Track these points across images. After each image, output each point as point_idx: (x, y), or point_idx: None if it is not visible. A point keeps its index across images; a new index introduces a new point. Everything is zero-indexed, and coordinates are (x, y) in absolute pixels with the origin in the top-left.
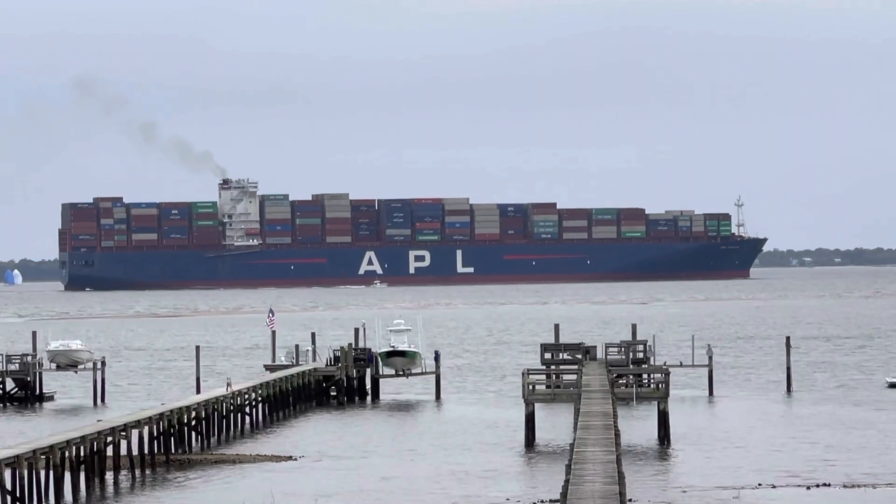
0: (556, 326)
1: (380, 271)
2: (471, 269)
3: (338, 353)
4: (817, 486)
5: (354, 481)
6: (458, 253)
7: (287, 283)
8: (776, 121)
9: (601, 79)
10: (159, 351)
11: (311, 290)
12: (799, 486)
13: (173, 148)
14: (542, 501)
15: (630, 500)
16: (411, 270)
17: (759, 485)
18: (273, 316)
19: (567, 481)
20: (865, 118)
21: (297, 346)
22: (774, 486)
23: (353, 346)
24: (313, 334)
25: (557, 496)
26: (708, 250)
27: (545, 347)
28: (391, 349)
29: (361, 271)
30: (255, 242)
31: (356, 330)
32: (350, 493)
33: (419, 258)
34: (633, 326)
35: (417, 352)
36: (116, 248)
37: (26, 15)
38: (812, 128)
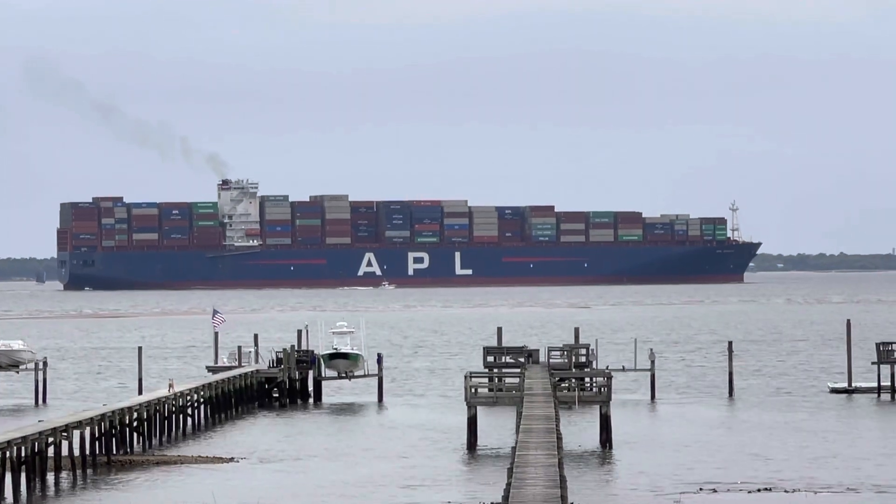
0: (499, 330)
1: (379, 273)
2: (469, 272)
3: (280, 355)
4: (759, 490)
5: (296, 484)
6: (457, 255)
7: (287, 283)
8: (769, 125)
9: (598, 83)
10: (103, 351)
11: (313, 291)
12: (740, 490)
13: (174, 145)
14: None
15: None
16: (410, 272)
17: (701, 489)
18: (218, 316)
19: (509, 485)
20: (818, 127)
21: (239, 348)
22: (715, 491)
23: (296, 347)
24: (256, 336)
25: (499, 499)
26: (703, 254)
27: (488, 351)
28: (334, 351)
29: (361, 272)
30: (256, 243)
31: (299, 332)
32: (291, 496)
33: (418, 260)
34: (576, 330)
35: (360, 354)
36: (117, 248)
37: None
38: (776, 134)
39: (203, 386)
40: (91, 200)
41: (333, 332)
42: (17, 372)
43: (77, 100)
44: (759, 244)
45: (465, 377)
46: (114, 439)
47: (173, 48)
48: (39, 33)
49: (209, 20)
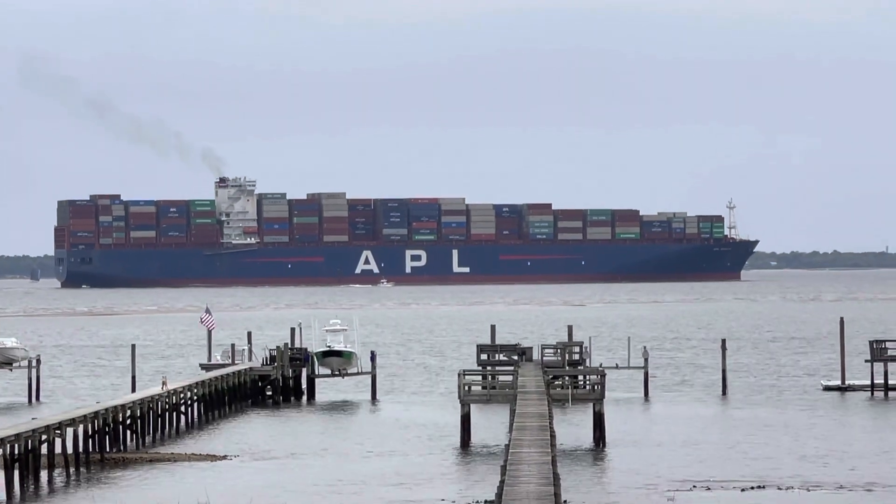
0: (493, 327)
1: (376, 270)
2: (466, 269)
3: (274, 353)
4: (751, 488)
5: (289, 482)
6: (454, 253)
7: (284, 281)
8: (768, 125)
9: (596, 81)
10: (97, 349)
11: (311, 289)
12: (733, 488)
13: (171, 143)
14: (477, 502)
15: (565, 502)
16: (408, 270)
17: (694, 487)
18: (210, 315)
19: (502, 482)
20: (816, 127)
21: (232, 346)
22: (709, 489)
23: (289, 345)
24: (249, 333)
25: (493, 497)
26: (701, 252)
27: (481, 348)
28: (327, 349)
29: (358, 270)
30: (253, 241)
31: (292, 329)
32: (284, 494)
33: (415, 258)
34: (570, 328)
35: (353, 352)
36: (115, 246)
37: None
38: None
39: (196, 383)
40: (88, 198)
41: (327, 330)
42: (11, 370)
43: (73, 98)
44: (756, 242)
45: (459, 375)
46: (107, 437)
47: (170, 47)
48: (35, 31)
49: (207, 19)
